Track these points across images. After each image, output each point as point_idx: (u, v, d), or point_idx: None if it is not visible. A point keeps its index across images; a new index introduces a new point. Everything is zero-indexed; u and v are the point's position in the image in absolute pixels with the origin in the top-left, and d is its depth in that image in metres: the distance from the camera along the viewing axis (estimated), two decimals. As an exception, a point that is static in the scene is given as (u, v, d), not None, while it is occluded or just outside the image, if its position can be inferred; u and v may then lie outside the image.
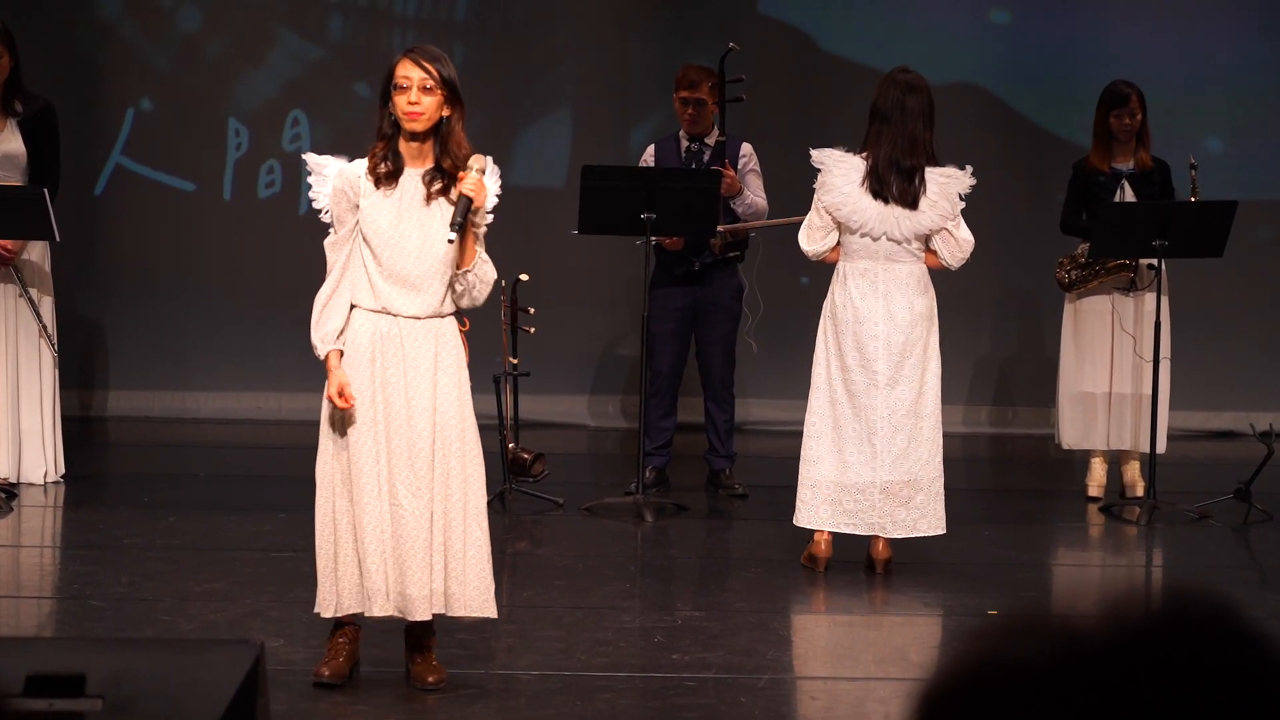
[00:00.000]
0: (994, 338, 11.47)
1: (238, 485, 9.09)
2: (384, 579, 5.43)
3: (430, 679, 5.54)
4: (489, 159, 5.63)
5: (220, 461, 9.90)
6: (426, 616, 5.46)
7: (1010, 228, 11.12)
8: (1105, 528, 8.66)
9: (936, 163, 7.21)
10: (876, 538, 7.26)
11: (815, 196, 7.25)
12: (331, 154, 5.64)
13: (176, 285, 11.25)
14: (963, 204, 7.22)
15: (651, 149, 9.07)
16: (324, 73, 11.28)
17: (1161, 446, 8.73)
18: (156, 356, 11.22)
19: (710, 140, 8.94)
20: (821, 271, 7.70)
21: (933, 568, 7.42)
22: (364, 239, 5.46)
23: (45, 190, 8.21)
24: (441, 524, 5.43)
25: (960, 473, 10.12)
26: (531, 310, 8.66)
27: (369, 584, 5.42)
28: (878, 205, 7.14)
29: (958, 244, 7.22)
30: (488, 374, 8.76)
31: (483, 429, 9.26)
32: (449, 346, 5.52)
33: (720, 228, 8.65)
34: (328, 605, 5.51)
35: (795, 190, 9.15)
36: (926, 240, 7.24)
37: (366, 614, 5.48)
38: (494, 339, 8.99)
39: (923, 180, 7.15)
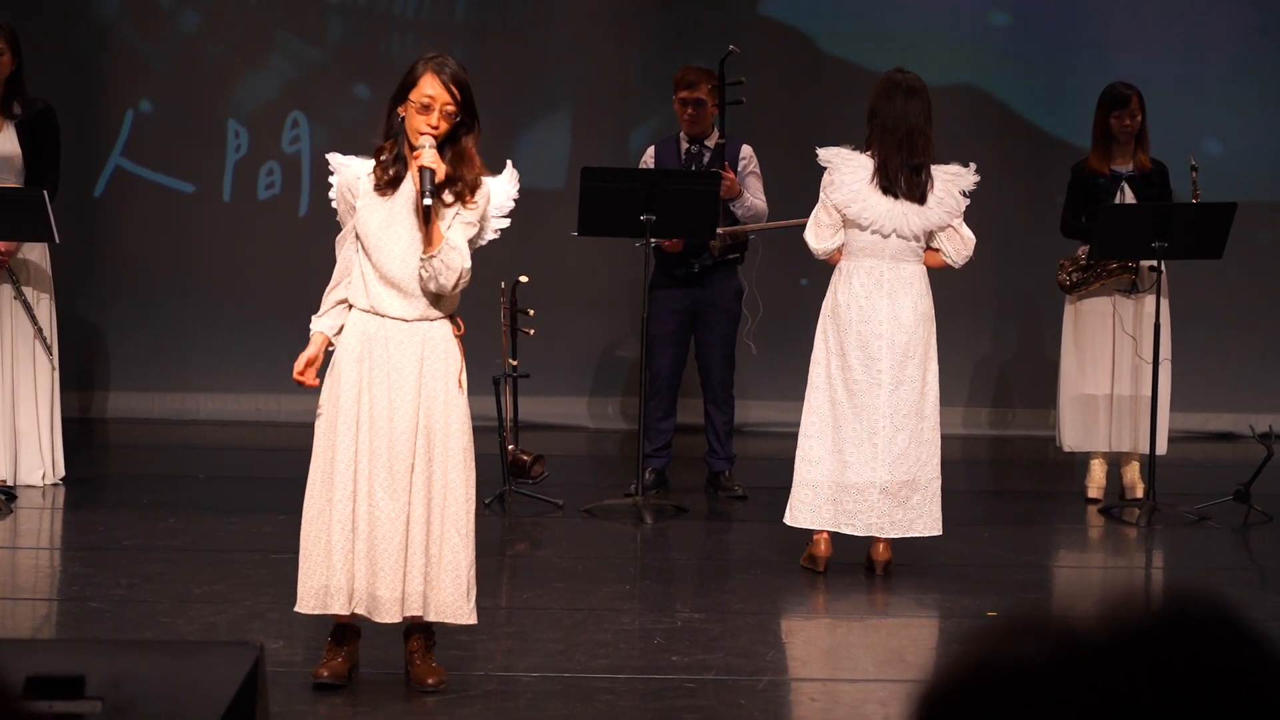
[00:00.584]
0: (994, 339, 11.47)
1: (237, 487, 9.09)
2: (348, 579, 5.43)
3: (430, 680, 5.54)
4: (508, 162, 5.64)
5: (220, 463, 9.90)
6: (394, 619, 5.46)
7: (1010, 229, 11.12)
8: (1105, 529, 8.66)
9: (938, 161, 7.22)
10: (877, 539, 7.26)
11: (822, 194, 7.25)
12: (339, 153, 5.64)
13: (176, 286, 11.25)
14: (967, 201, 7.23)
15: (651, 151, 9.07)
16: (323, 74, 11.28)
17: (1162, 448, 8.73)
18: (156, 358, 11.23)
19: (710, 142, 8.94)
20: (821, 273, 7.70)
21: (932, 569, 7.42)
22: (359, 239, 5.47)
23: (45, 192, 8.21)
24: (421, 528, 5.43)
25: (960, 474, 10.12)
26: (531, 312, 8.66)
27: (333, 583, 5.42)
28: (887, 201, 7.14)
29: (963, 241, 7.23)
30: (487, 376, 8.77)
31: (482, 430, 9.28)
32: (437, 350, 5.50)
33: (720, 230, 8.65)
34: (300, 601, 5.52)
35: (795, 192, 9.16)
36: (929, 239, 7.24)
37: (327, 612, 5.47)
38: (494, 341, 8.99)
39: (929, 176, 7.16)
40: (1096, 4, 11.32)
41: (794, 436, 7.36)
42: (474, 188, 5.46)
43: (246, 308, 11.20)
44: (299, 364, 5.49)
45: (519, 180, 5.71)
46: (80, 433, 10.37)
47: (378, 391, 5.44)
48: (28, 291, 8.65)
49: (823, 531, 7.26)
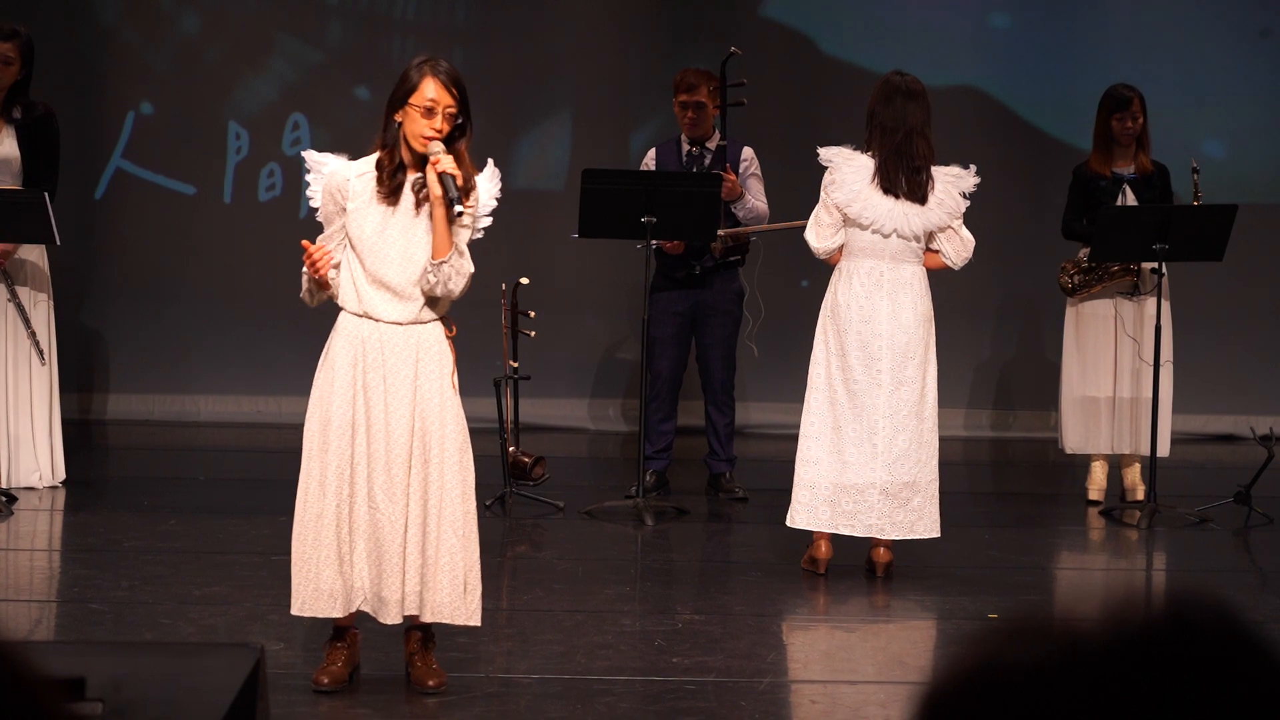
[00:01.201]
0: (995, 341, 11.47)
1: (238, 489, 9.09)
2: (346, 582, 5.43)
3: (430, 682, 5.54)
4: (489, 161, 5.64)
5: (220, 465, 9.90)
6: (397, 620, 5.46)
7: (1011, 231, 11.12)
8: (1106, 531, 8.66)
9: (939, 162, 7.22)
10: (877, 542, 7.26)
11: (823, 194, 7.24)
12: (335, 155, 5.63)
13: (177, 288, 11.25)
14: (967, 203, 7.23)
15: (652, 153, 9.07)
16: (324, 76, 11.28)
17: (1163, 450, 8.73)
18: (156, 360, 11.23)
19: (711, 144, 8.94)
20: (822, 274, 7.70)
21: (933, 571, 7.42)
22: (350, 242, 5.46)
23: (46, 194, 8.21)
24: (418, 530, 5.43)
25: (961, 476, 10.12)
26: (532, 314, 8.66)
27: (331, 586, 5.43)
28: (888, 201, 7.14)
29: (963, 243, 7.23)
30: (488, 378, 8.77)
31: (483, 432, 9.30)
32: (431, 352, 5.50)
33: (721, 231, 8.65)
34: (293, 604, 5.52)
35: (796, 194, 9.16)
36: (929, 240, 7.24)
37: (323, 616, 5.48)
38: (494, 343, 8.99)
39: (930, 177, 7.16)
40: (1097, 6, 11.32)
41: (795, 438, 7.36)
42: (469, 190, 5.46)
43: (247, 309, 11.20)
44: (314, 254, 5.39)
45: (500, 180, 5.68)
46: (80, 435, 10.37)
47: (373, 395, 5.44)
48: (24, 293, 8.65)
49: (823, 533, 7.26)
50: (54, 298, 8.85)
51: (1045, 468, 10.34)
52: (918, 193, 7.15)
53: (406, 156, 5.45)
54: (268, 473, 9.48)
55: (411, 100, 5.38)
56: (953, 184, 7.20)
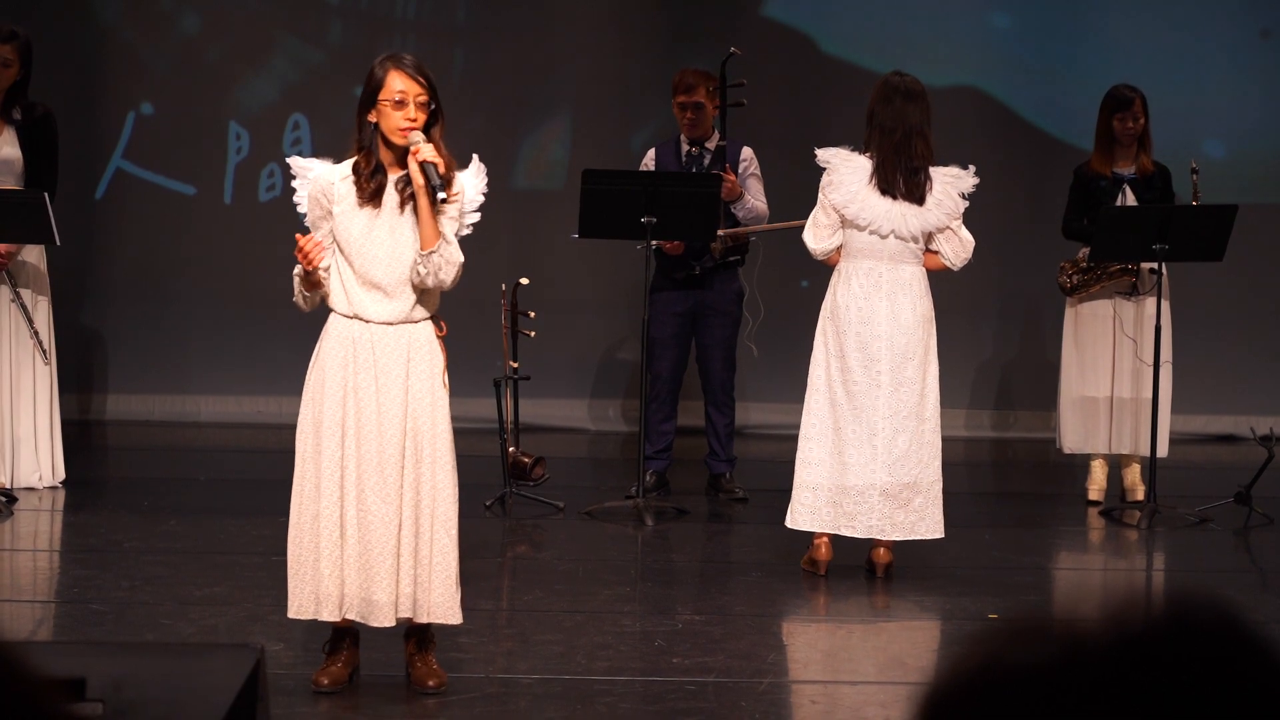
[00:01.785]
0: (995, 341, 11.47)
1: (238, 489, 9.09)
2: (338, 585, 5.43)
3: (430, 683, 5.54)
4: (474, 156, 5.65)
5: (220, 465, 9.90)
6: (389, 623, 5.46)
7: (1011, 231, 11.12)
8: (1106, 531, 8.66)
9: (938, 162, 7.22)
10: (877, 542, 7.26)
11: (821, 195, 7.24)
12: (332, 157, 5.64)
13: (177, 289, 11.25)
14: (966, 203, 7.22)
15: (652, 153, 9.07)
16: (324, 76, 11.28)
17: (1162, 450, 8.73)
18: (157, 360, 11.23)
19: (710, 144, 8.94)
20: (822, 275, 7.69)
21: (933, 572, 7.42)
22: (338, 245, 5.47)
23: (46, 194, 8.22)
24: (411, 530, 5.43)
25: (961, 476, 10.12)
26: (532, 314, 8.66)
27: (323, 589, 5.43)
28: (886, 202, 7.14)
29: (961, 243, 7.22)
30: (488, 378, 8.77)
31: (483, 433, 9.31)
32: (422, 352, 5.50)
33: (721, 232, 8.65)
34: (291, 607, 5.53)
35: (796, 194, 9.15)
36: (928, 240, 7.24)
37: (318, 619, 5.48)
38: (494, 343, 8.99)
39: (928, 177, 7.16)
40: (1098, 6, 11.32)
41: (795, 439, 7.36)
42: (449, 179, 5.46)
43: (247, 310, 11.20)
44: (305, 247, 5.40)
45: (486, 175, 5.68)
46: (80, 435, 10.37)
47: (365, 396, 5.44)
48: (25, 294, 8.65)
49: (823, 535, 7.25)
50: (54, 298, 8.85)
51: (1045, 468, 10.34)
52: (915, 193, 7.14)
53: (386, 157, 5.46)
54: (268, 473, 9.47)
55: (381, 96, 5.40)
56: (951, 184, 7.20)
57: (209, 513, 8.34)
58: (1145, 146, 8.91)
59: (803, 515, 7.26)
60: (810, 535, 7.32)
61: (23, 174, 8.50)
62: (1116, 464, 9.22)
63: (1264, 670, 1.20)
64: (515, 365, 8.66)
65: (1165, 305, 8.70)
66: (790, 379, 10.25)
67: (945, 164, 7.25)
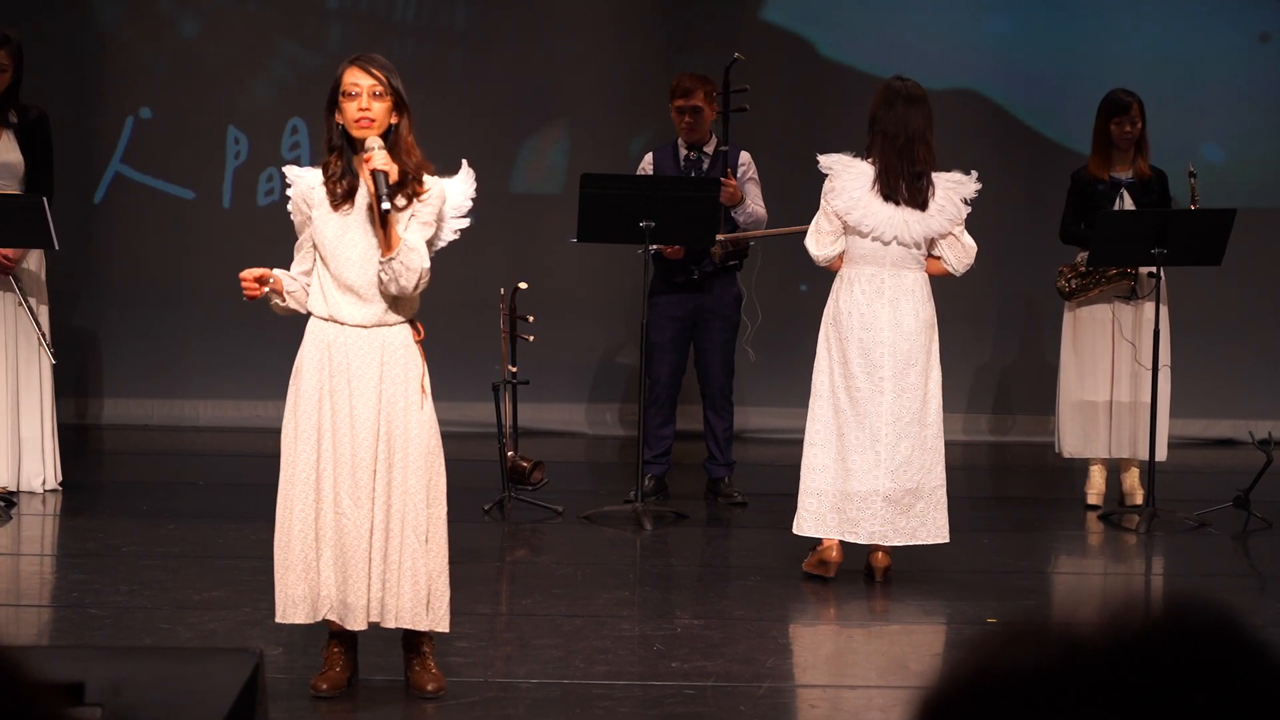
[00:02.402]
0: (994, 346, 11.47)
1: (236, 493, 9.08)
2: (312, 588, 5.44)
3: (429, 687, 5.54)
4: (463, 162, 5.65)
5: (219, 470, 9.90)
6: (361, 626, 5.46)
7: (1010, 235, 11.12)
8: (1105, 535, 8.66)
9: (940, 168, 7.21)
10: (876, 547, 7.25)
11: (823, 201, 7.24)
12: (310, 168, 5.67)
13: (175, 293, 11.25)
14: (968, 209, 7.22)
15: (650, 157, 9.07)
16: (323, 81, 11.21)
17: (1161, 454, 8.73)
18: (155, 364, 11.23)
19: (708, 148, 8.94)
20: (821, 279, 7.70)
21: (932, 576, 7.42)
22: (316, 248, 5.50)
23: (45, 198, 8.21)
24: (382, 534, 5.43)
25: (960, 481, 10.11)
26: (531, 318, 8.65)
27: (297, 592, 5.44)
28: (888, 208, 7.14)
29: (964, 249, 7.22)
30: (487, 382, 8.76)
31: (482, 437, 9.30)
32: (397, 355, 5.50)
33: (720, 236, 8.65)
34: (277, 611, 5.53)
35: (795, 199, 9.16)
36: (931, 246, 7.23)
37: (297, 621, 5.48)
38: (493, 347, 8.99)
39: (931, 183, 7.15)
40: (1097, 10, 11.33)
41: (794, 443, 7.36)
42: (419, 177, 5.46)
43: (245, 314, 11.14)
44: (247, 272, 5.44)
45: (474, 181, 5.68)
46: (78, 439, 10.37)
47: (339, 399, 5.45)
48: (30, 299, 8.65)
49: (833, 538, 7.24)
50: (52, 302, 8.85)
51: (1044, 472, 10.34)
52: (918, 199, 7.14)
53: (356, 161, 5.47)
54: (266, 477, 9.43)
55: (340, 94, 5.44)
56: (954, 190, 7.20)
57: (207, 517, 8.34)
58: (1142, 151, 8.92)
59: (809, 521, 7.25)
60: (812, 539, 7.30)
61: (24, 178, 8.50)
62: (1115, 468, 9.22)
63: (1262, 674, 1.20)
64: (514, 369, 8.66)
65: (1164, 309, 8.70)
66: (789, 383, 10.26)
67: (948, 169, 7.24)
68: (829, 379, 7.25)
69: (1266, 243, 11.16)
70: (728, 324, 9.01)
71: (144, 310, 11.25)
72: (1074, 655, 1.20)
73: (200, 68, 11.25)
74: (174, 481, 9.46)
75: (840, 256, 7.27)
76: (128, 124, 11.29)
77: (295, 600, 5.46)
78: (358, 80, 5.43)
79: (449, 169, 5.65)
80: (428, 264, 5.44)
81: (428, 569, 5.45)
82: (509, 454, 8.56)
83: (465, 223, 5.65)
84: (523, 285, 8.71)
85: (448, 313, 9.21)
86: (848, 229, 7.21)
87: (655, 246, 8.54)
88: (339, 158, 5.49)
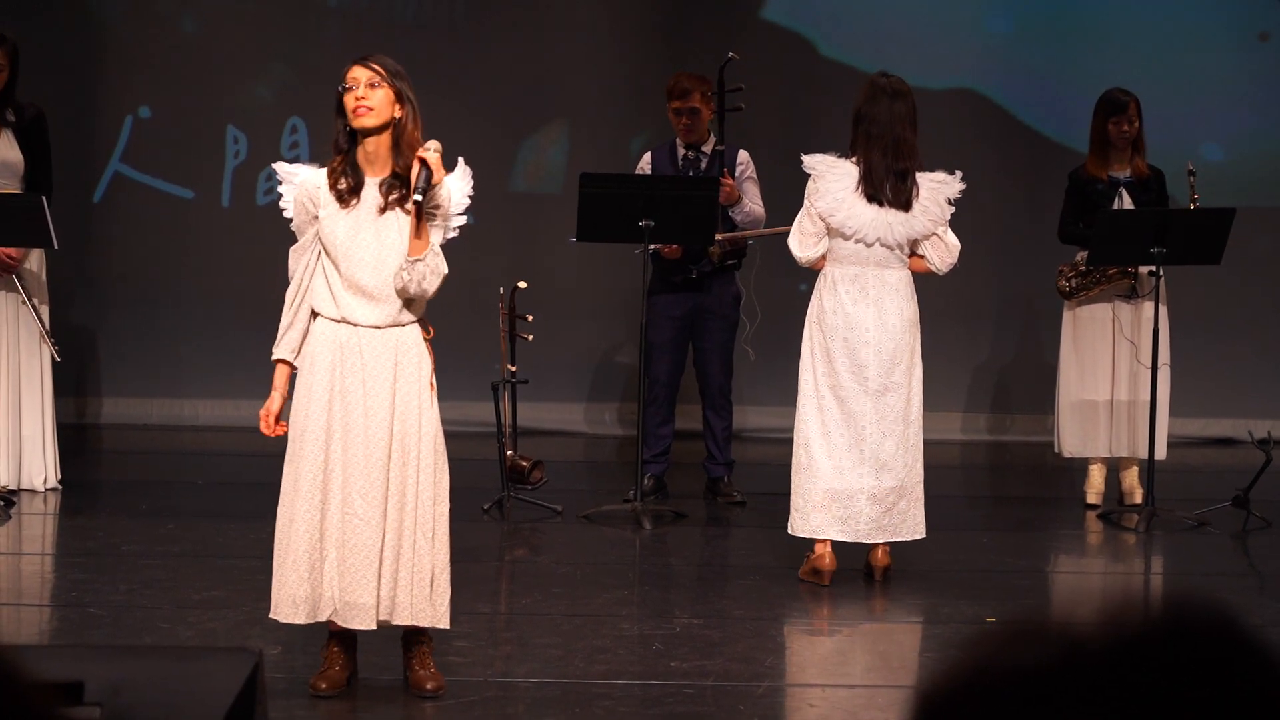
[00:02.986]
0: (992, 345, 11.47)
1: (236, 492, 9.08)
2: (314, 588, 5.44)
3: (429, 686, 5.54)
4: (459, 160, 5.66)
5: (218, 469, 9.90)
6: (369, 626, 5.45)
7: (1009, 234, 11.13)
8: (1104, 535, 8.66)
9: (924, 167, 7.19)
10: (875, 545, 7.25)
11: (807, 201, 7.23)
12: (306, 165, 5.67)
13: (174, 292, 11.25)
14: (952, 209, 7.20)
15: (648, 156, 9.07)
16: (322, 80, 11.25)
17: (1160, 453, 8.73)
18: (154, 363, 11.23)
19: (706, 148, 8.94)
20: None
21: (931, 575, 7.42)
22: (324, 249, 5.49)
23: (44, 197, 8.21)
24: (394, 533, 5.43)
25: (958, 480, 10.12)
26: (530, 318, 8.65)
27: (299, 592, 5.44)
28: (872, 210, 7.12)
29: (947, 249, 7.20)
30: (486, 381, 8.76)
31: (481, 436, 9.30)
32: (410, 356, 5.51)
33: (718, 236, 8.65)
34: (273, 609, 5.53)
35: (794, 197, 9.13)
36: (914, 245, 7.21)
37: (296, 621, 5.48)
38: (492, 346, 8.99)
39: (915, 183, 7.14)
40: (1095, 9, 11.33)
41: (792, 442, 7.35)
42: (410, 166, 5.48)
43: (244, 313, 11.19)
44: (264, 412, 5.53)
45: (471, 179, 5.69)
46: (77, 438, 10.37)
47: (352, 400, 5.45)
48: (33, 299, 8.66)
49: (825, 545, 7.22)
50: (51, 301, 8.85)
51: (1043, 471, 10.34)
52: (902, 199, 7.11)
53: (361, 160, 5.49)
54: (265, 476, 9.44)
55: (341, 92, 5.47)
56: (938, 190, 7.17)
57: (207, 516, 8.34)
58: (1140, 150, 8.92)
59: (800, 520, 7.25)
60: (809, 541, 7.30)
61: (24, 176, 8.51)
62: (1115, 467, 9.22)
63: (1261, 672, 1.20)
64: (513, 369, 8.66)
65: (1163, 309, 8.70)
66: (788, 383, 10.22)
67: (933, 168, 7.22)
68: (813, 378, 7.23)
69: (1266, 242, 11.16)
70: (726, 323, 9.01)
71: (143, 309, 11.25)
72: (1073, 654, 1.20)
73: (199, 67, 11.25)
74: (173, 480, 9.46)
75: (823, 256, 7.25)
76: (127, 123, 11.29)
77: (296, 601, 5.45)
78: (355, 74, 5.50)
79: (446, 168, 5.65)
80: (446, 269, 5.48)
81: (433, 565, 5.47)
82: (508, 453, 8.56)
83: (463, 220, 5.66)
84: (522, 285, 8.71)
85: (447, 312, 9.20)
86: (831, 230, 7.18)
87: (654, 246, 8.54)
88: (343, 159, 5.50)
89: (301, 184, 5.56)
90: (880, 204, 7.11)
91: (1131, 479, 9.11)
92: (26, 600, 7.00)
